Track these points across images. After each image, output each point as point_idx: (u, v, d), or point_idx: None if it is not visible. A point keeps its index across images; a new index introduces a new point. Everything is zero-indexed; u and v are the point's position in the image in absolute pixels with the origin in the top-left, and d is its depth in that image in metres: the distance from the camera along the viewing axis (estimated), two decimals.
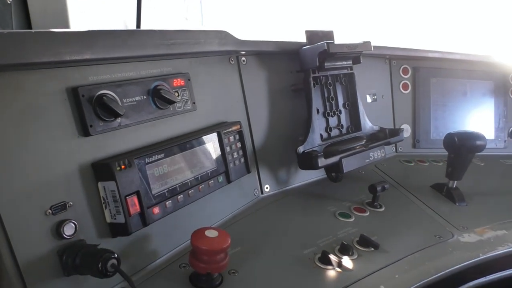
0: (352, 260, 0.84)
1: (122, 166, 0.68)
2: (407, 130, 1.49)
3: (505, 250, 0.95)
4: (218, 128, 0.89)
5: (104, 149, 0.70)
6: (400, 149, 1.48)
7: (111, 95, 0.69)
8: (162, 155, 0.76)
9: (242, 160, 0.94)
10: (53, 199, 0.62)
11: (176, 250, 0.81)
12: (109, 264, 0.57)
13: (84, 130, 0.67)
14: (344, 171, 1.05)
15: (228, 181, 0.90)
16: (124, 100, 0.72)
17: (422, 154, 1.48)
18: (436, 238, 0.96)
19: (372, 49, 1.11)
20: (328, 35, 1.14)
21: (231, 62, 0.99)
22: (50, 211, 0.61)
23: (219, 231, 0.71)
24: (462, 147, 1.11)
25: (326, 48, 1.01)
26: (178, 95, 0.82)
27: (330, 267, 0.81)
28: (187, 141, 0.81)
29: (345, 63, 1.13)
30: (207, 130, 0.87)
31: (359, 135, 1.18)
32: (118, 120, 0.71)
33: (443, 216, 1.07)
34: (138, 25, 1.29)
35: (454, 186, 1.18)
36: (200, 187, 0.82)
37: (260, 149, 1.06)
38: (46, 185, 0.62)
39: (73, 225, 0.63)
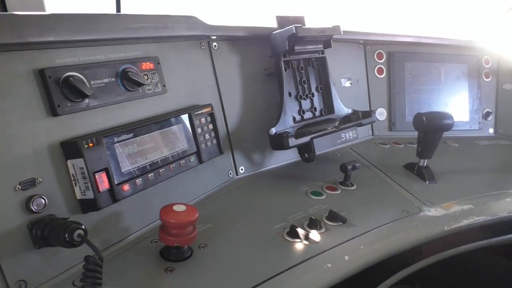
0: (319, 233, 0.87)
1: (90, 144, 0.70)
2: (383, 114, 1.53)
3: (469, 222, 0.99)
4: (189, 110, 0.92)
5: (74, 129, 0.72)
6: (377, 132, 1.52)
7: (78, 76, 0.72)
8: (131, 134, 0.78)
9: (214, 141, 0.97)
10: (22, 176, 0.65)
11: (148, 227, 0.84)
12: (76, 234, 0.60)
13: (52, 110, 0.69)
14: (316, 152, 1.08)
15: (200, 161, 0.93)
16: (92, 82, 0.75)
17: (398, 136, 1.52)
18: (403, 213, 0.99)
19: (342, 33, 1.14)
20: (299, 20, 1.16)
21: (202, 47, 1.02)
22: (19, 186, 0.64)
23: (187, 205, 0.74)
24: (430, 126, 1.15)
25: (294, 32, 1.04)
26: (148, 78, 0.85)
27: (297, 240, 0.84)
28: (157, 122, 0.84)
29: (316, 47, 1.16)
30: (178, 112, 0.90)
31: (332, 117, 1.21)
32: (86, 100, 0.73)
33: (413, 193, 1.11)
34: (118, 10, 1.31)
35: (425, 165, 1.22)
36: (171, 166, 0.85)
37: (235, 132, 1.09)
38: (16, 162, 0.64)
39: (43, 200, 0.65)
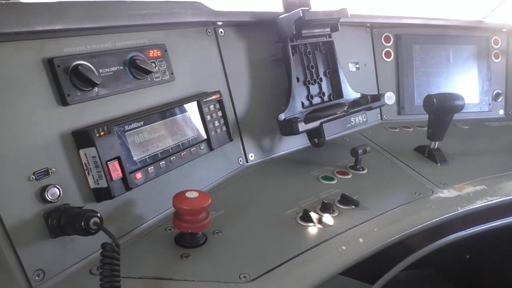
0: (332, 217, 0.87)
1: (102, 133, 0.70)
2: (391, 98, 1.51)
3: (484, 204, 0.98)
4: (197, 97, 0.91)
5: (84, 118, 0.72)
6: (385, 116, 1.51)
7: (86, 65, 0.72)
8: (142, 123, 0.78)
9: (224, 128, 0.97)
10: (36, 166, 0.65)
11: (161, 215, 0.84)
12: (92, 222, 0.60)
13: (62, 99, 0.69)
14: (326, 136, 1.07)
15: (210, 148, 0.92)
16: (101, 71, 0.74)
17: (407, 120, 1.51)
18: (416, 195, 0.99)
19: (349, 15, 1.13)
20: (305, 3, 1.15)
21: (208, 33, 1.01)
22: (33, 176, 0.64)
23: (199, 192, 0.74)
24: (441, 108, 1.13)
25: (301, 15, 1.02)
26: (155, 66, 0.85)
27: (311, 224, 0.84)
28: (167, 110, 0.84)
29: (323, 30, 1.15)
30: (187, 99, 0.90)
31: (341, 102, 1.20)
32: (96, 89, 0.73)
33: (424, 176, 1.10)
34: None
35: (436, 147, 1.20)
36: (182, 154, 0.85)
37: (243, 118, 1.09)
38: (29, 152, 0.64)
39: (57, 190, 0.66)
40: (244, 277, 0.68)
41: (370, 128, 1.42)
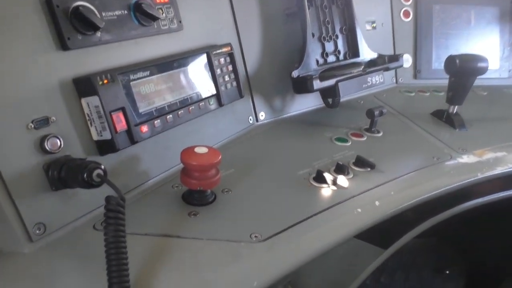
0: (347, 179, 0.82)
1: (105, 81, 0.65)
2: (408, 60, 1.43)
3: (505, 170, 0.94)
4: (207, 49, 0.86)
5: (86, 65, 0.67)
6: (401, 79, 1.44)
7: (88, 6, 0.66)
8: (148, 72, 0.73)
9: (234, 83, 0.91)
10: (34, 114, 0.60)
11: (168, 172, 0.80)
12: (95, 174, 0.56)
13: (62, 43, 0.63)
14: (341, 95, 1.02)
15: (220, 104, 0.87)
16: (104, 14, 0.68)
17: (423, 84, 1.44)
18: (433, 160, 0.94)
19: None
20: None
21: None
22: (32, 125, 0.59)
23: (209, 148, 0.70)
24: (463, 69, 1.07)
25: None
26: (162, 13, 0.78)
27: (324, 185, 0.80)
28: (174, 61, 0.78)
29: None
30: (196, 51, 0.84)
31: (357, 61, 1.14)
32: (98, 34, 0.67)
33: (442, 140, 1.05)
34: None
35: (455, 111, 1.15)
36: (190, 108, 0.80)
37: (254, 75, 1.03)
38: (26, 99, 0.60)
39: (58, 140, 0.61)
40: (255, 236, 0.64)
41: (385, 92, 1.36)
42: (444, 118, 1.16)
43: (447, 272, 1.73)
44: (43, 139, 0.60)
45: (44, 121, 0.61)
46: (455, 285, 1.69)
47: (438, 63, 1.47)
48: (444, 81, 1.39)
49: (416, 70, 1.45)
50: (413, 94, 1.37)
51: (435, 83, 1.44)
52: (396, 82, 1.44)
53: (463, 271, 1.71)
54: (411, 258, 1.66)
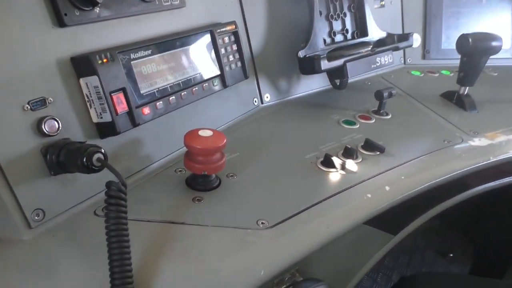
0: (356, 163, 0.80)
1: (104, 60, 0.62)
2: (417, 40, 1.39)
3: None
4: (211, 27, 0.82)
5: (84, 43, 0.63)
6: (409, 60, 1.40)
7: None
8: (149, 51, 0.69)
9: (239, 64, 0.88)
10: (30, 95, 0.57)
11: (171, 156, 0.77)
12: (95, 158, 0.53)
13: (59, 19, 0.60)
14: (349, 76, 0.98)
15: (224, 85, 0.84)
16: None
17: (432, 65, 1.40)
18: (444, 143, 0.91)
19: None
20: None
21: None
22: (28, 106, 0.56)
23: (213, 131, 0.67)
24: (476, 49, 1.03)
25: None
26: None
27: (333, 169, 0.77)
28: (177, 39, 0.75)
29: None
30: (199, 29, 0.80)
31: (365, 40, 1.10)
32: (97, 10, 0.64)
33: (453, 123, 1.02)
34: None
35: (466, 93, 1.12)
36: (194, 89, 0.77)
37: (259, 55, 0.99)
38: (22, 79, 0.56)
39: (56, 123, 0.58)
40: (262, 223, 0.62)
41: (393, 73, 1.32)
42: (454, 99, 1.12)
43: (451, 255, 1.73)
44: (40, 121, 0.57)
45: (41, 102, 0.58)
46: (460, 268, 1.68)
47: (447, 43, 1.42)
48: (453, 61, 1.35)
49: (425, 50, 1.41)
50: (421, 75, 1.33)
51: (444, 63, 1.40)
52: (404, 62, 1.40)
53: (467, 254, 1.70)
54: (412, 240, 1.65)
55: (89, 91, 0.62)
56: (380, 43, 1.11)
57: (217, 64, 0.83)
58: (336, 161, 0.78)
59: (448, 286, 0.97)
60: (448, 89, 1.16)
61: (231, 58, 0.86)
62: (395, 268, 1.60)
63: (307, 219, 0.64)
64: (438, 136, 0.94)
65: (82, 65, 0.61)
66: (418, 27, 1.39)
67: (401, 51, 1.36)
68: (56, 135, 0.58)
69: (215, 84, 0.82)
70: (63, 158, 0.56)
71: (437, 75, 1.34)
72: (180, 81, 0.74)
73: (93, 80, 0.61)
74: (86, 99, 0.63)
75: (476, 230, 1.59)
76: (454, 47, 1.09)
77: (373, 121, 0.99)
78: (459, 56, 1.10)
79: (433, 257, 1.71)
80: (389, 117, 1.01)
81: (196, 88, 0.77)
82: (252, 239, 0.59)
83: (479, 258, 1.57)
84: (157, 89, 0.70)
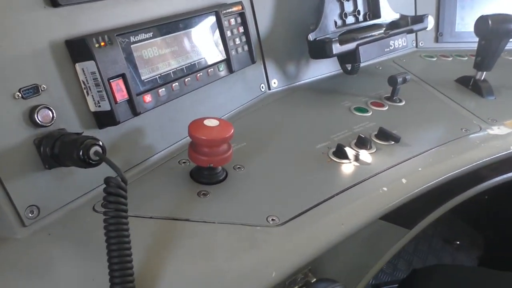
0: (370, 153, 0.75)
1: (102, 43, 0.57)
2: (430, 22, 1.33)
3: None
4: (216, 8, 0.76)
5: (79, 25, 0.58)
6: (421, 43, 1.34)
7: None
8: (150, 34, 0.64)
9: (246, 47, 0.83)
10: (21, 82, 0.52)
11: (175, 146, 0.73)
12: (92, 151, 0.49)
13: None
14: (362, 61, 0.93)
15: (230, 70, 0.79)
16: None
17: (445, 48, 1.35)
18: (462, 131, 0.86)
19: None
20: None
21: None
22: (19, 94, 0.52)
23: (220, 120, 0.62)
24: (495, 31, 0.97)
25: None
26: None
27: (346, 161, 0.73)
28: (180, 20, 0.69)
29: None
30: (203, 10, 0.75)
31: (377, 23, 1.04)
32: None
33: (470, 110, 0.97)
34: None
35: (483, 78, 1.06)
36: (198, 75, 0.72)
37: (266, 39, 0.94)
38: (12, 64, 0.51)
39: (50, 112, 0.54)
40: (272, 220, 0.58)
41: (404, 56, 1.27)
42: (470, 85, 1.07)
43: (458, 242, 1.70)
44: (32, 110, 0.52)
45: (34, 90, 0.53)
46: (466, 256, 1.66)
47: (461, 25, 1.36)
48: (468, 44, 1.30)
49: (438, 33, 1.35)
50: (435, 59, 1.28)
51: (458, 46, 1.35)
52: (416, 46, 1.34)
53: (474, 243, 1.68)
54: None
55: (85, 78, 0.57)
56: (393, 25, 1.05)
57: (222, 48, 0.77)
58: (349, 151, 0.74)
59: (463, 278, 0.93)
60: (463, 74, 1.11)
61: (237, 41, 0.80)
62: (401, 256, 1.58)
63: (320, 215, 0.60)
64: (455, 124, 0.89)
65: (78, 49, 0.56)
66: (431, 8, 1.33)
67: (413, 34, 1.30)
68: (50, 125, 0.54)
69: (221, 69, 0.77)
70: (57, 150, 0.52)
71: (450, 59, 1.29)
72: (184, 66, 0.70)
73: (90, 65, 0.56)
74: (83, 86, 0.58)
75: (486, 221, 1.56)
76: (469, 29, 1.03)
77: (386, 108, 0.94)
78: (475, 39, 1.05)
79: (440, 244, 1.69)
80: (402, 104, 0.96)
81: (201, 73, 0.72)
82: (262, 237, 0.55)
83: (488, 249, 1.54)
84: (159, 75, 0.65)
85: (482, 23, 0.99)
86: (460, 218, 1.66)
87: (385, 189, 0.67)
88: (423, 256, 1.60)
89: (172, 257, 0.51)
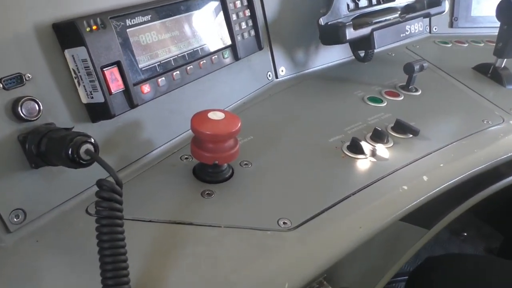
0: (387, 148, 0.70)
1: (94, 27, 0.51)
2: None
3: None
4: None
5: (69, 6, 0.52)
6: (435, 29, 1.27)
7: None
8: (148, 17, 0.58)
9: (252, 32, 0.76)
10: (3, 70, 0.46)
11: (176, 140, 0.67)
12: (83, 150, 0.43)
13: None
14: (376, 47, 0.87)
15: (236, 57, 0.73)
16: None
17: (461, 34, 1.28)
18: (484, 123, 0.80)
19: None
20: None
21: None
22: (0, 84, 0.46)
23: (225, 113, 0.57)
24: None
25: None
26: None
27: (362, 156, 0.67)
28: (181, 2, 0.63)
29: None
30: None
31: (392, 6, 0.97)
32: None
33: (490, 100, 0.91)
34: None
35: (503, 65, 1.00)
36: (201, 63, 0.66)
37: (274, 24, 0.87)
38: None
39: (35, 104, 0.48)
40: (284, 223, 0.52)
41: (418, 42, 1.20)
42: (489, 73, 1.01)
43: (465, 234, 1.67)
44: (16, 102, 0.47)
45: (17, 80, 0.47)
46: (473, 247, 1.62)
47: (477, 10, 1.29)
48: (484, 30, 1.23)
49: (453, 18, 1.28)
50: (450, 45, 1.21)
51: (473, 32, 1.28)
52: (430, 31, 1.27)
53: (480, 234, 1.64)
54: None
55: (76, 66, 0.51)
56: (408, 9, 0.98)
57: (227, 33, 0.71)
58: (365, 146, 0.68)
59: (480, 268, 0.88)
60: (480, 61, 1.05)
61: (243, 25, 0.74)
62: None
63: (336, 218, 0.55)
64: (476, 116, 0.83)
65: (67, 33, 0.50)
66: None
67: (426, 19, 1.23)
68: (36, 119, 0.48)
69: (226, 56, 0.71)
70: (44, 148, 0.46)
71: (466, 45, 1.22)
72: (186, 53, 0.63)
73: (81, 51, 0.50)
74: (73, 75, 0.52)
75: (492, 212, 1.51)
76: (485, 13, 0.97)
77: (402, 98, 0.88)
78: (492, 24, 0.99)
79: (446, 235, 1.65)
80: (419, 93, 0.90)
81: (204, 61, 0.66)
82: (273, 243, 0.50)
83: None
84: (158, 63, 0.59)
85: (505, 7, 0.92)
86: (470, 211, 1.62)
87: (405, 187, 0.61)
88: (429, 247, 1.56)
89: (173, 267, 0.46)
